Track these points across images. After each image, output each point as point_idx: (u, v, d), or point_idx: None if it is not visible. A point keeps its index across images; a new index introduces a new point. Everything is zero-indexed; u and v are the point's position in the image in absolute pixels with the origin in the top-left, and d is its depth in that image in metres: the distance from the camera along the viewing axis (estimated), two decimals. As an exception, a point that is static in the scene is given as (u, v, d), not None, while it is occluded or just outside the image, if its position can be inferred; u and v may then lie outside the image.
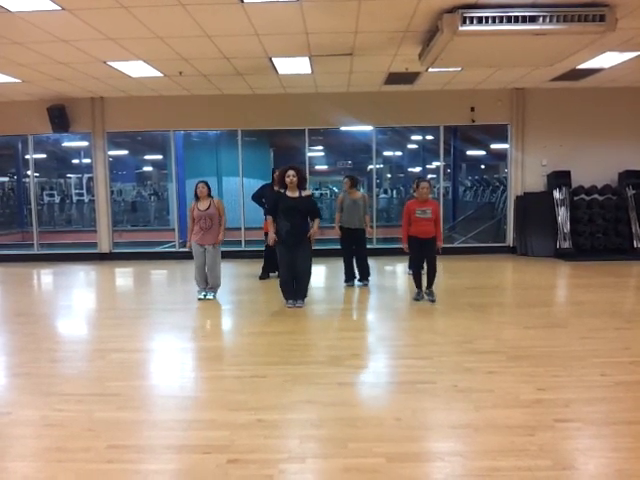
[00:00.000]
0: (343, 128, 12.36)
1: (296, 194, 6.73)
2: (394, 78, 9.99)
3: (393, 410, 3.73)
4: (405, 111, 11.42)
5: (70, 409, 3.80)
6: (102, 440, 3.31)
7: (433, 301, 7.00)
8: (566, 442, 3.22)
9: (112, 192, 12.80)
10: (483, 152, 18.29)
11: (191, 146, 14.52)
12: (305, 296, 6.97)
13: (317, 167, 19.27)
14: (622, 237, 11.05)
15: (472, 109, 11.29)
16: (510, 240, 11.81)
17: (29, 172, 12.65)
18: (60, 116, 11.20)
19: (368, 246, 8.52)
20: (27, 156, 12.41)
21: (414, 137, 17.49)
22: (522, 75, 9.95)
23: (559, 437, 3.26)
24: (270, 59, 8.46)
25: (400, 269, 9.47)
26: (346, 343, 5.50)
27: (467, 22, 6.14)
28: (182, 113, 11.50)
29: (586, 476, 2.88)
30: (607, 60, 8.78)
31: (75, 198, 19.60)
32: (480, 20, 6.13)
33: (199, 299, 7.38)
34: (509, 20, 6.13)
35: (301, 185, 6.77)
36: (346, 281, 8.28)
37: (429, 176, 16.62)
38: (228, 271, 9.58)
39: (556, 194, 11.22)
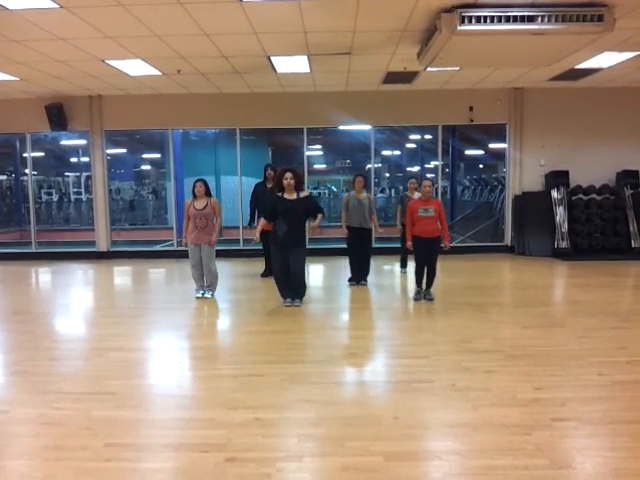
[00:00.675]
0: (341, 127, 12.36)
1: (294, 196, 6.73)
2: (392, 77, 9.99)
3: (391, 409, 3.73)
4: (403, 110, 11.42)
5: (68, 407, 3.79)
6: (100, 438, 3.31)
7: (431, 300, 7.01)
8: (563, 441, 3.23)
9: (110, 191, 12.78)
10: (481, 151, 18.30)
11: (189, 145, 14.51)
12: (303, 295, 6.98)
13: (315, 166, 19.27)
14: (620, 237, 11.07)
15: (470, 108, 11.30)
16: (508, 239, 11.82)
17: (27, 170, 12.63)
18: (58, 114, 11.19)
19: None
20: (25, 154, 12.39)
21: (412, 136, 17.50)
22: (520, 75, 9.95)
23: (556, 436, 3.27)
24: (268, 58, 8.46)
25: (398, 268, 9.47)
26: (344, 342, 5.52)
27: (465, 21, 6.14)
28: (180, 111, 11.49)
29: (583, 475, 2.89)
30: (605, 60, 8.79)
31: (73, 196, 19.58)
32: (479, 19, 6.13)
33: (197, 297, 7.38)
34: (507, 20, 6.14)
35: (298, 187, 6.78)
36: (350, 280, 8.26)
37: (428, 175, 16.63)
38: (226, 270, 9.58)
39: (554, 194, 11.23)
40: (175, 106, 11.43)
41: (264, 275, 8.96)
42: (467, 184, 18.92)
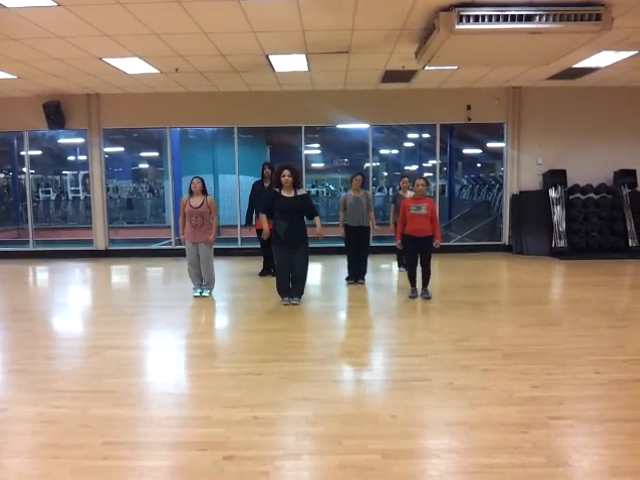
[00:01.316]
0: (339, 126, 12.36)
1: (292, 194, 6.73)
2: (391, 76, 9.99)
3: (388, 407, 3.74)
4: (402, 109, 11.41)
5: (66, 406, 3.79)
6: (98, 437, 3.31)
7: (428, 298, 7.02)
8: (560, 439, 3.24)
9: (108, 189, 12.77)
10: (479, 150, 18.30)
11: (187, 143, 14.51)
12: (302, 293, 6.98)
13: (313, 165, 19.27)
14: (617, 236, 11.09)
15: (468, 107, 11.30)
16: (506, 238, 11.84)
17: (24, 169, 12.60)
18: (56, 112, 11.16)
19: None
20: (23, 152, 12.36)
21: (410, 135, 17.51)
22: (518, 74, 9.96)
23: (553, 434, 3.28)
24: (267, 56, 8.45)
25: (396, 267, 9.49)
26: (341, 341, 5.53)
27: (464, 21, 6.14)
28: (178, 110, 11.47)
29: (580, 473, 2.90)
30: (603, 59, 8.80)
31: (71, 195, 19.57)
32: (477, 19, 6.14)
33: (195, 296, 7.38)
34: (506, 19, 6.14)
35: (296, 184, 6.78)
36: (347, 279, 8.25)
37: (425, 174, 16.63)
38: (224, 268, 9.59)
39: (552, 193, 11.25)
40: (173, 104, 11.42)
41: (262, 274, 8.96)
42: (465, 183, 18.94)
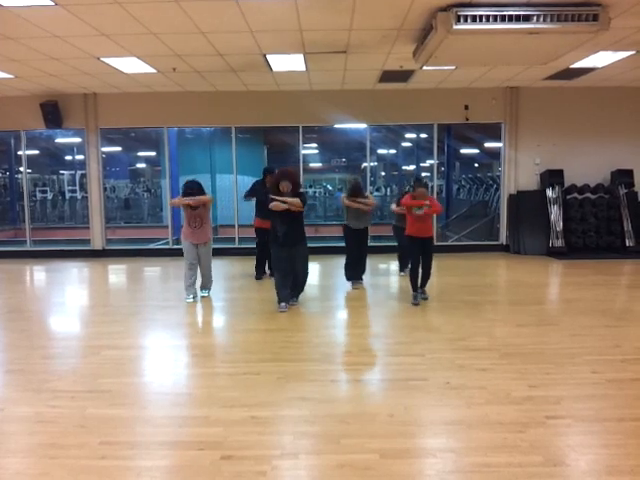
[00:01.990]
0: (337, 126, 12.36)
1: (289, 196, 6.70)
2: (388, 76, 10.00)
3: (386, 407, 3.74)
4: (399, 109, 11.42)
5: (63, 405, 3.80)
6: (95, 436, 3.31)
7: (425, 299, 7.01)
8: (557, 438, 3.25)
9: (105, 189, 12.74)
10: (477, 150, 18.35)
11: (185, 143, 14.50)
12: (300, 292, 6.98)
13: (311, 165, 19.28)
14: (614, 235, 11.12)
15: (466, 107, 11.31)
16: (503, 238, 11.85)
17: (22, 168, 12.59)
18: (53, 112, 11.14)
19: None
20: (20, 152, 12.34)
21: (408, 135, 17.53)
22: (516, 74, 9.98)
23: (550, 433, 3.29)
24: (264, 56, 8.45)
25: (394, 267, 9.49)
26: (339, 340, 5.54)
27: (461, 21, 6.14)
28: (175, 109, 11.46)
29: (577, 472, 2.91)
30: (600, 59, 8.82)
31: (68, 195, 19.53)
32: (474, 19, 6.14)
33: (187, 302, 7.13)
34: (503, 19, 6.14)
35: (295, 190, 6.74)
36: (348, 279, 8.23)
37: (423, 174, 16.66)
38: (222, 269, 9.58)
39: (549, 193, 11.27)
40: (170, 104, 11.40)
41: (258, 278, 8.80)
42: (462, 183, 18.95)
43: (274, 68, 9.24)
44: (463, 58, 7.85)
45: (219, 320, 6.74)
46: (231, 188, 12.09)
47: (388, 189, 19.05)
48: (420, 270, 7.03)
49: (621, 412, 3.59)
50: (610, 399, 3.81)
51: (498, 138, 11.79)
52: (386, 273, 9.81)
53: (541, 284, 8.68)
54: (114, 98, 11.39)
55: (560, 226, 11.16)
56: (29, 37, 7.25)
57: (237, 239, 11.95)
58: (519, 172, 11.60)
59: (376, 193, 17.96)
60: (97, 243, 11.97)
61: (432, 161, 12.50)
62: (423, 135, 15.51)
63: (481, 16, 6.13)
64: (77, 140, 13.82)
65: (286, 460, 3.04)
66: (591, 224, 11.15)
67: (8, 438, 3.38)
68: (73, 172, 19.60)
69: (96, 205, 11.91)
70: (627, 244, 11.04)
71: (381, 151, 19.63)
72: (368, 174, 12.56)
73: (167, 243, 12.19)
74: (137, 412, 3.71)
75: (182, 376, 4.59)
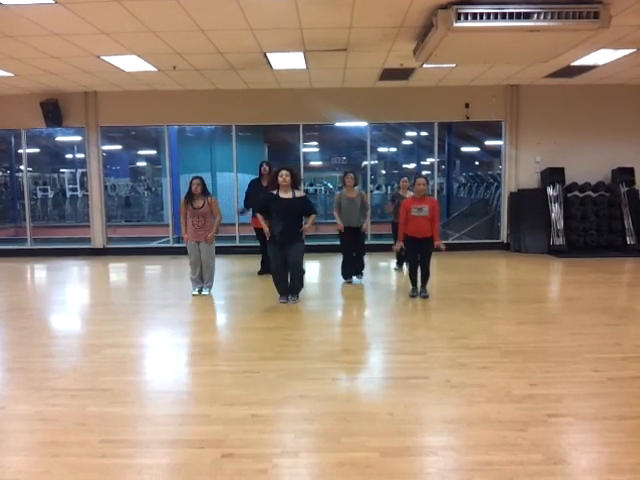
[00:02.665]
0: (337, 124, 12.37)
1: (289, 195, 6.69)
2: (389, 74, 9.99)
3: (386, 405, 3.74)
4: (400, 107, 11.41)
5: (64, 404, 3.79)
6: (96, 435, 3.31)
7: (426, 297, 7.01)
8: (558, 437, 3.24)
9: (106, 187, 12.75)
10: (477, 148, 18.33)
11: (185, 141, 14.49)
12: (299, 290, 6.99)
13: (311, 163, 19.27)
14: (615, 234, 11.11)
15: (467, 105, 11.30)
16: (504, 236, 11.85)
17: (22, 167, 12.59)
18: (53, 110, 11.14)
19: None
20: (20, 150, 12.35)
21: (409, 133, 17.51)
22: (516, 72, 9.97)
23: (551, 432, 3.29)
24: (264, 54, 8.44)
25: (393, 265, 9.49)
26: (339, 338, 5.53)
27: (462, 18, 6.13)
28: (176, 108, 11.45)
29: (577, 470, 2.90)
30: (601, 57, 8.81)
31: (68, 193, 19.54)
32: (475, 16, 6.13)
33: (193, 295, 7.38)
34: (504, 16, 6.13)
35: (295, 186, 6.75)
36: (345, 278, 8.25)
37: (423, 172, 16.64)
38: (222, 267, 9.58)
39: (550, 191, 11.26)
40: (171, 102, 11.40)
41: (261, 273, 8.94)
42: (463, 181, 18.94)
43: (274, 66, 9.24)
44: (463, 56, 7.84)
45: (220, 318, 6.75)
46: (231, 186, 12.08)
47: (388, 187, 19.03)
48: (419, 271, 7.06)
49: (622, 410, 3.58)
50: (611, 397, 3.81)
51: (499, 136, 11.79)
52: (386, 271, 9.80)
53: (542, 282, 8.68)
54: (114, 96, 11.38)
55: (561, 224, 11.15)
56: (29, 35, 7.25)
57: (237, 237, 11.95)
58: (520, 170, 11.60)
59: (376, 191, 17.98)
60: (98, 241, 11.97)
61: (433, 159, 12.49)
62: (424, 133, 15.49)
63: (482, 14, 6.12)
64: (77, 138, 13.83)
65: (287, 458, 3.04)
66: (592, 222, 11.14)
67: (9, 436, 3.38)
68: (74, 170, 19.61)
69: (97, 203, 11.91)
70: (628, 242, 11.03)
71: (382, 149, 19.63)
72: (369, 172, 12.55)
73: (168, 241, 12.18)
74: (138, 410, 3.72)
75: (183, 374, 4.59)
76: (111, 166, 19.06)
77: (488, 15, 6.12)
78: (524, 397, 3.81)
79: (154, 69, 9.32)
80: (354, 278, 8.19)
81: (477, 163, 20.70)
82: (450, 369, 4.41)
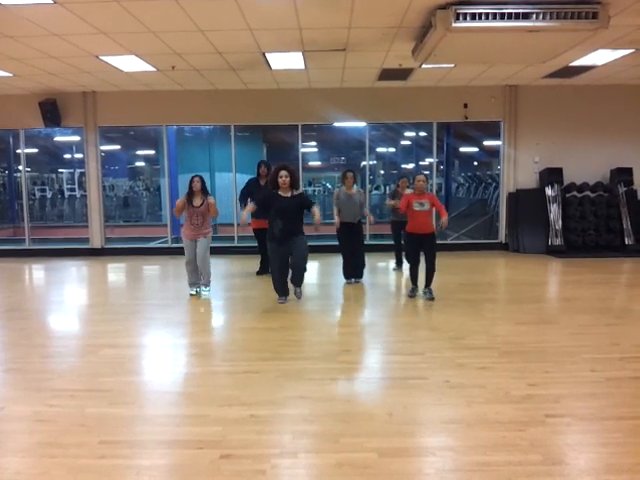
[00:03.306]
0: (336, 124, 12.37)
1: (289, 194, 6.73)
2: (388, 74, 9.99)
3: (385, 405, 3.74)
4: (398, 107, 11.42)
5: (62, 404, 3.79)
6: (94, 435, 3.31)
7: (432, 299, 6.95)
8: (556, 437, 3.25)
9: (104, 187, 12.74)
10: (476, 149, 18.32)
11: (184, 141, 14.48)
12: (302, 281, 6.97)
13: (310, 163, 19.26)
14: (613, 234, 11.13)
15: (465, 106, 11.32)
16: (502, 237, 11.86)
17: (20, 167, 12.57)
18: (52, 110, 11.13)
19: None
20: (18, 150, 12.34)
21: (407, 133, 17.49)
22: (515, 72, 9.97)
23: (550, 432, 3.29)
24: (263, 54, 8.44)
25: (393, 265, 9.49)
26: (339, 339, 5.53)
27: (460, 18, 6.14)
28: (175, 108, 11.45)
29: (576, 471, 2.90)
30: (600, 57, 8.81)
31: (67, 193, 19.51)
32: (473, 17, 6.14)
33: (191, 294, 7.38)
34: (502, 17, 6.14)
35: (294, 185, 6.77)
36: (346, 277, 8.21)
37: (423, 172, 16.60)
38: (221, 267, 9.58)
39: (548, 191, 11.27)
40: (169, 102, 11.39)
41: (260, 273, 8.94)
42: (462, 181, 18.94)
43: (273, 66, 9.24)
44: (462, 56, 7.85)
45: (218, 318, 6.74)
46: (230, 186, 12.07)
47: (387, 187, 19.02)
48: (424, 267, 7.04)
49: (620, 410, 3.59)
50: (609, 397, 3.81)
51: (497, 136, 11.80)
52: (385, 271, 9.81)
53: (540, 282, 8.68)
54: (113, 96, 11.37)
55: (559, 224, 11.16)
56: (28, 35, 7.24)
57: (236, 238, 11.95)
58: (518, 170, 11.61)
59: (375, 192, 17.98)
60: (96, 242, 11.96)
61: (431, 159, 12.48)
62: (422, 133, 15.47)
63: (480, 14, 6.13)
64: (76, 138, 13.80)
65: (285, 459, 3.04)
66: (590, 222, 11.16)
67: (7, 437, 3.37)
68: (72, 170, 19.57)
69: (95, 204, 11.90)
70: (626, 242, 11.04)
71: (380, 149, 19.60)
72: (367, 172, 12.56)
73: (166, 242, 12.18)
74: (136, 411, 3.71)
75: (181, 375, 4.58)
76: (109, 166, 19.03)
77: (487, 15, 6.13)
78: (523, 397, 3.81)
79: (153, 69, 9.32)
80: (352, 280, 8.18)
81: (476, 163, 20.68)
82: (449, 369, 4.41)
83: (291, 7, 6.33)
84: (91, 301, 7.95)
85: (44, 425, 3.48)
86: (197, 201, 7.20)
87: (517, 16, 6.13)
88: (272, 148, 16.85)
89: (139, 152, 20.19)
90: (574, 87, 11.08)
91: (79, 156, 14.89)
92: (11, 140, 15.01)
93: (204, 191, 7.26)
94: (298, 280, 6.95)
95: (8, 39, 7.37)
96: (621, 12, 6.42)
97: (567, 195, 11.26)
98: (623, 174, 11.21)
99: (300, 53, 8.40)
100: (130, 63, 8.86)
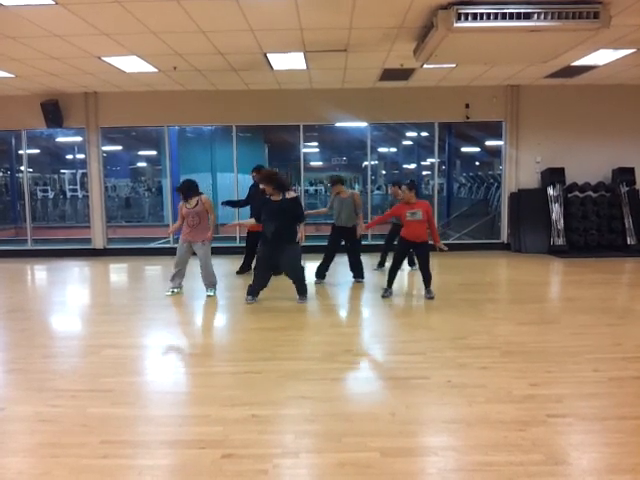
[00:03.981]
0: (338, 124, 12.35)
1: (279, 197, 6.75)
2: (389, 74, 9.99)
3: (387, 405, 3.74)
4: (400, 107, 11.41)
5: (64, 405, 3.79)
6: (96, 436, 3.31)
7: (431, 298, 6.99)
8: (558, 437, 3.24)
9: (106, 188, 12.75)
10: (478, 149, 18.32)
11: (185, 142, 14.49)
12: (305, 292, 7.01)
13: (312, 163, 19.27)
14: (615, 234, 11.11)
15: (467, 106, 11.31)
16: (504, 237, 11.85)
17: (22, 167, 12.60)
18: (54, 111, 11.15)
19: (363, 242, 8.48)
20: (20, 151, 12.35)
21: (409, 133, 17.49)
22: (517, 72, 9.97)
23: (551, 432, 3.29)
24: (265, 55, 8.44)
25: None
26: (340, 339, 5.52)
27: (462, 18, 6.13)
28: (176, 108, 11.46)
29: (578, 471, 2.90)
30: (601, 57, 8.80)
31: (69, 194, 19.55)
32: (475, 17, 6.13)
33: (167, 295, 7.42)
34: (504, 17, 6.13)
35: (280, 189, 6.76)
36: (317, 277, 8.25)
37: (424, 172, 16.63)
38: (222, 267, 9.57)
39: (550, 191, 11.26)
40: (171, 103, 11.40)
41: (240, 272, 9.01)
42: (463, 181, 18.94)
43: (275, 67, 9.24)
44: (464, 56, 7.84)
45: (220, 319, 6.74)
46: (232, 187, 12.08)
47: (389, 187, 19.01)
48: (419, 273, 7.06)
49: (622, 410, 3.58)
50: (611, 397, 3.81)
51: (499, 136, 11.78)
52: (384, 272, 9.77)
53: (542, 282, 8.67)
54: (115, 97, 11.38)
55: (561, 224, 11.15)
56: (30, 36, 7.25)
57: (238, 238, 11.95)
58: (520, 170, 11.60)
59: (377, 192, 17.98)
60: (98, 242, 11.97)
61: (433, 159, 12.48)
62: (424, 133, 15.47)
63: (482, 14, 6.12)
64: (78, 139, 13.81)
65: (287, 459, 3.04)
66: (592, 222, 11.14)
67: (9, 437, 3.38)
68: (74, 171, 19.62)
69: (97, 204, 11.91)
70: (628, 242, 11.02)
71: (382, 149, 19.61)
72: (369, 172, 12.56)
73: (168, 242, 12.18)
74: (138, 411, 3.71)
75: (183, 375, 4.59)
76: (111, 167, 19.05)
77: (488, 15, 6.12)
78: (524, 397, 3.80)
79: (154, 70, 9.33)
80: (351, 279, 8.18)
81: (477, 163, 20.67)
82: (451, 369, 4.41)
83: (292, 8, 6.33)
84: (93, 301, 7.96)
85: (46, 425, 3.48)
86: (191, 202, 7.23)
87: (518, 16, 6.13)
88: (274, 148, 16.86)
89: (141, 153, 20.22)
90: (576, 87, 11.06)
91: (81, 157, 14.92)
92: (13, 141, 15.05)
93: (194, 193, 7.24)
94: (299, 292, 7.00)
95: (10, 40, 7.38)
96: (622, 12, 6.41)
97: (569, 195, 11.25)
98: (625, 174, 11.19)
99: (301, 54, 8.40)
100: (132, 64, 8.86)
